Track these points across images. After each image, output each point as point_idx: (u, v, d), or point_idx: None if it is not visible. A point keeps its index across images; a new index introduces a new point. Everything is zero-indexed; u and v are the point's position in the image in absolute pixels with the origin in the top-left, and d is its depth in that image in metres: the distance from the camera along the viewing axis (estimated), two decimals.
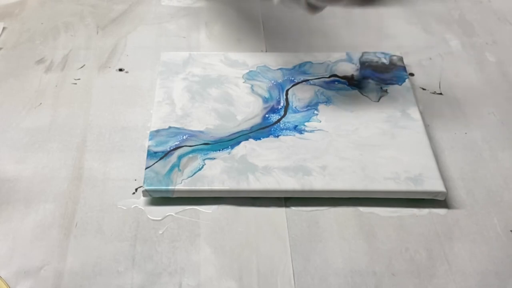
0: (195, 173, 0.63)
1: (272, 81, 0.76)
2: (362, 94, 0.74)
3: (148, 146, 0.66)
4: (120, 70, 0.80)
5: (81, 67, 0.81)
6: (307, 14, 0.68)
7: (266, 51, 0.83)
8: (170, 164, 0.64)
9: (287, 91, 0.75)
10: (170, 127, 0.68)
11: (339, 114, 0.71)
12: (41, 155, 0.68)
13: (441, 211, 0.63)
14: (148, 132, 0.68)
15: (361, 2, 0.67)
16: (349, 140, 0.67)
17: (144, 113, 0.73)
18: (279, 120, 0.70)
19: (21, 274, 0.56)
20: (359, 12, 0.92)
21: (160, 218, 0.61)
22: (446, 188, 0.62)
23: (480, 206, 0.63)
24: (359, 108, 0.72)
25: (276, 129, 0.69)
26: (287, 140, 0.67)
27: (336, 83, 0.76)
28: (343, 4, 0.67)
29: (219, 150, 0.66)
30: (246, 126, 0.69)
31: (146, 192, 0.62)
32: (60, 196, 0.63)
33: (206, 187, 0.62)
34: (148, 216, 0.62)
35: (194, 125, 0.69)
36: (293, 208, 0.63)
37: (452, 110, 0.75)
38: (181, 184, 0.62)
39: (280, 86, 0.75)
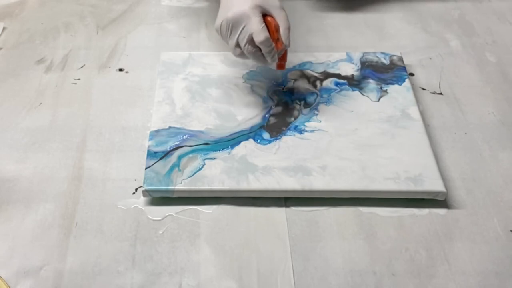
0: (195, 173, 0.63)
1: (272, 81, 0.76)
2: (362, 94, 0.74)
3: (148, 146, 0.66)
4: (120, 70, 0.80)
5: (81, 67, 0.81)
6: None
7: None
8: (170, 164, 0.64)
9: None
10: (170, 127, 0.68)
11: (339, 114, 0.71)
12: (41, 155, 0.68)
13: (441, 211, 0.63)
14: (148, 132, 0.68)
15: None
16: (349, 140, 0.67)
17: (144, 113, 0.73)
18: None
19: (21, 274, 0.56)
20: (359, 12, 0.92)
21: (160, 218, 0.61)
22: (446, 188, 0.62)
23: (480, 206, 0.63)
24: (359, 108, 0.72)
25: None
26: (287, 140, 0.67)
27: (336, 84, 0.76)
28: None
29: (219, 150, 0.66)
30: (246, 126, 0.69)
31: (146, 192, 0.62)
32: (60, 196, 0.63)
33: (206, 187, 0.62)
34: (148, 216, 0.62)
35: (194, 125, 0.69)
36: (293, 208, 0.63)
37: (452, 110, 0.75)
38: (181, 184, 0.62)
39: (280, 86, 0.75)
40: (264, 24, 0.63)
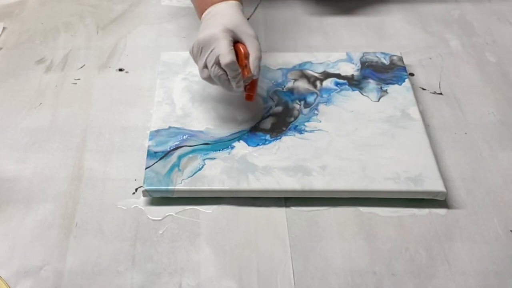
0: (195, 173, 0.63)
1: (272, 81, 0.76)
2: (362, 94, 0.74)
3: (148, 146, 0.66)
4: (120, 70, 0.80)
5: (81, 67, 0.81)
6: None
7: (266, 51, 0.83)
8: (170, 164, 0.64)
9: None
10: (170, 127, 0.68)
11: (339, 114, 0.71)
12: (41, 155, 0.68)
13: (441, 211, 0.63)
14: (148, 132, 0.68)
15: None
16: (349, 140, 0.67)
17: (144, 113, 0.73)
18: None
19: (21, 274, 0.56)
20: (359, 12, 0.92)
21: (160, 218, 0.61)
22: (446, 188, 0.62)
23: (480, 206, 0.63)
24: (359, 108, 0.72)
25: None
26: (287, 140, 0.67)
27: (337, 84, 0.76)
28: None
29: (219, 150, 0.66)
30: (246, 126, 0.69)
31: (146, 192, 0.62)
32: (60, 196, 0.63)
33: (206, 187, 0.62)
34: (148, 216, 0.62)
35: (194, 125, 0.69)
36: (293, 208, 0.63)
37: (452, 110, 0.75)
38: (181, 184, 0.62)
39: (280, 86, 0.75)
40: (232, 48, 0.62)
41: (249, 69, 0.63)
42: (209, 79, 0.66)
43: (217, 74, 0.63)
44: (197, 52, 0.65)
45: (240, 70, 0.63)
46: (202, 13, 0.68)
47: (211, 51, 0.63)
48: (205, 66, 0.64)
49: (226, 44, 0.62)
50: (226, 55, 0.62)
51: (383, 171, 0.64)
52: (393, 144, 0.67)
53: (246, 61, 0.63)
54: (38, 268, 0.57)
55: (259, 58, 0.64)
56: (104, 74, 0.79)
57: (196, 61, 0.67)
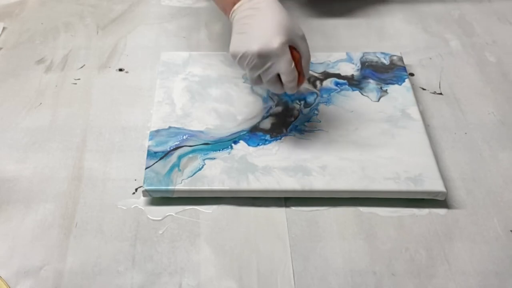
0: (195, 173, 0.63)
1: None
2: (362, 94, 0.74)
3: (148, 146, 0.66)
4: (120, 70, 0.80)
5: (81, 67, 0.81)
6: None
7: None
8: (170, 164, 0.64)
9: None
10: (170, 127, 0.68)
11: (339, 114, 0.71)
12: (41, 155, 0.68)
13: (441, 211, 0.63)
14: (148, 132, 0.68)
15: None
16: (349, 140, 0.67)
17: (144, 113, 0.73)
18: None
19: (21, 274, 0.56)
20: (359, 12, 0.92)
21: (160, 218, 0.61)
22: (446, 188, 0.62)
23: (480, 206, 0.63)
24: (359, 108, 0.72)
25: None
26: (287, 140, 0.67)
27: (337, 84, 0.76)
28: None
29: (219, 150, 0.66)
30: (246, 126, 0.69)
31: (146, 192, 0.62)
32: (60, 196, 0.63)
33: (206, 187, 0.62)
34: (148, 216, 0.62)
35: (194, 125, 0.69)
36: (293, 208, 0.63)
37: (452, 110, 0.75)
38: (181, 184, 0.62)
39: None
40: (293, 63, 0.59)
41: (303, 74, 0.62)
42: (259, 85, 0.63)
43: (272, 85, 0.62)
44: (249, 63, 0.59)
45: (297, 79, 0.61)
46: (234, 3, 0.62)
47: (269, 66, 0.59)
48: (259, 77, 0.62)
49: (288, 61, 0.59)
50: (290, 74, 0.59)
51: (383, 171, 0.64)
52: (393, 144, 0.67)
53: (299, 67, 0.61)
54: (38, 268, 0.57)
55: (310, 60, 0.62)
56: (104, 74, 0.79)
57: (243, 68, 0.61)
